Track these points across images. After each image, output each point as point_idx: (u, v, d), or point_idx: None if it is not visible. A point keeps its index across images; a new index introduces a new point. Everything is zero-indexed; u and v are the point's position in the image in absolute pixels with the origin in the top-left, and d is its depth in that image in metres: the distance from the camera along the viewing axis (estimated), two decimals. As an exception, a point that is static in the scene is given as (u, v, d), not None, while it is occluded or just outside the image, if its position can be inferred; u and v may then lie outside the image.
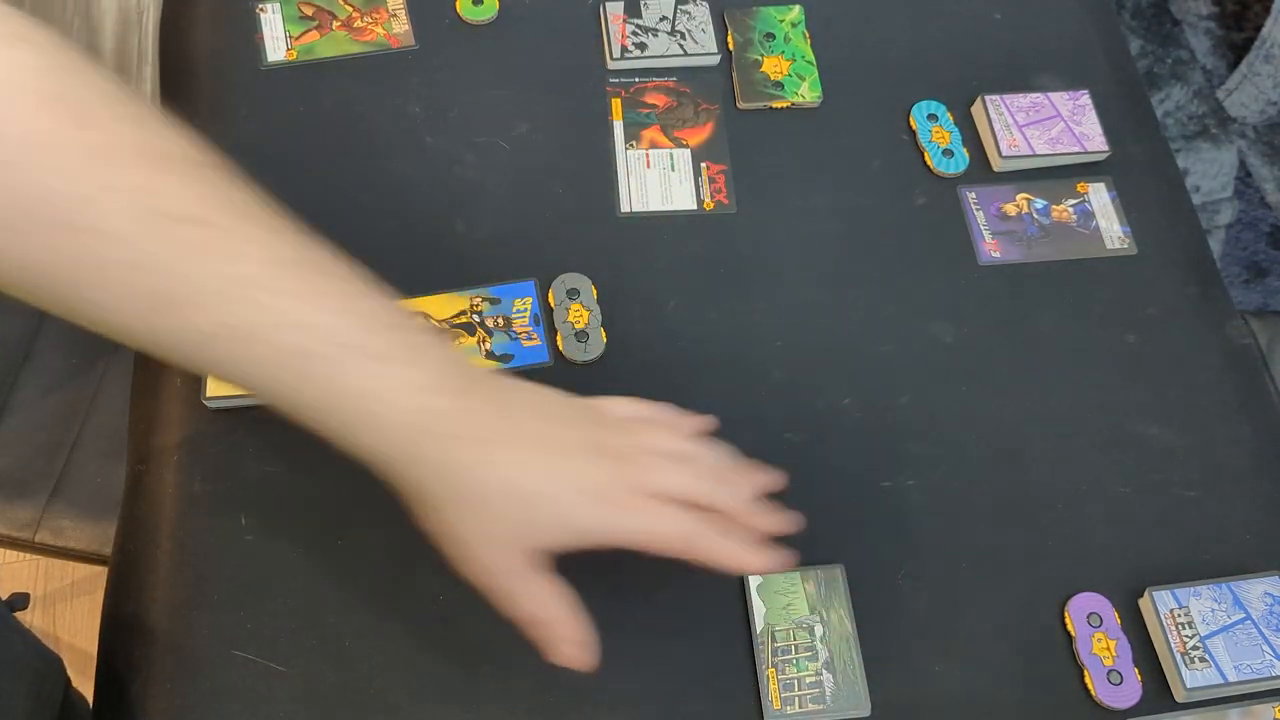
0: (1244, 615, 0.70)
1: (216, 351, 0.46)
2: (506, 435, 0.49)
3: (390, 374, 0.47)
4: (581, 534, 0.51)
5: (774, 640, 0.67)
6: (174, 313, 0.45)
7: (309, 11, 0.88)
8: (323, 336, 0.46)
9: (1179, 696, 0.68)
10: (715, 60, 0.89)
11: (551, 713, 0.65)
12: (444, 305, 0.77)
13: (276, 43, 0.86)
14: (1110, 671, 0.68)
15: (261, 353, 0.46)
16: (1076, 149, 0.86)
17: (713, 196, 0.83)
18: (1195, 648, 0.68)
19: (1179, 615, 0.69)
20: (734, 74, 0.88)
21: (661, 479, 0.52)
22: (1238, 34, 1.85)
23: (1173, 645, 0.68)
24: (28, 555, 1.36)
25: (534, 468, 0.49)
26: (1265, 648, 0.69)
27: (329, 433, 0.49)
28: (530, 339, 0.76)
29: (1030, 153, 0.86)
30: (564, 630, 0.52)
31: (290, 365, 0.46)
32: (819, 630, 0.68)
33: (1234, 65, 1.79)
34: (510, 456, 0.49)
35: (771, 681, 0.66)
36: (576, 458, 0.51)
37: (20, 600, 0.89)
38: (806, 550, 0.71)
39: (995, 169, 0.86)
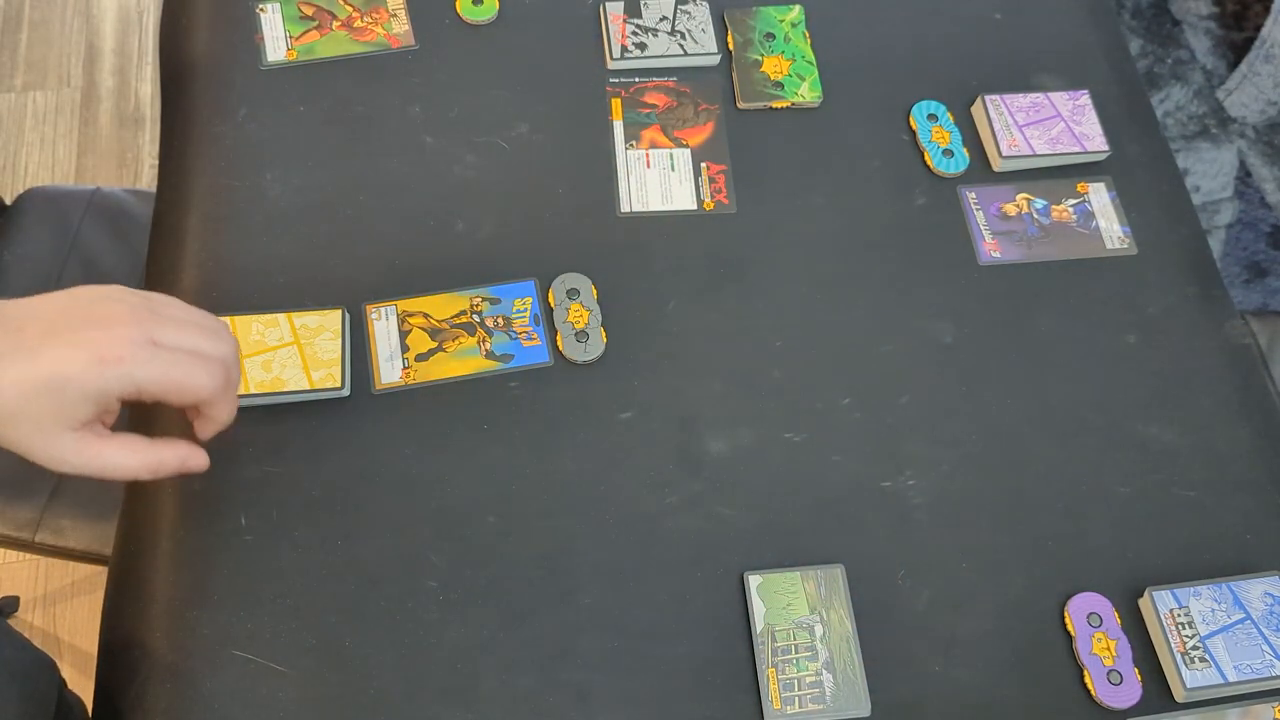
0: (1244, 615, 0.70)
1: None
2: (15, 351, 0.53)
3: None
4: (105, 394, 0.55)
5: (774, 640, 0.67)
6: None
7: (309, 11, 0.88)
8: None
9: (1179, 696, 0.68)
10: (715, 60, 0.89)
11: (551, 713, 0.65)
12: (444, 305, 0.77)
13: (276, 43, 0.87)
14: (1110, 671, 0.68)
15: None
16: (1076, 149, 0.86)
17: (713, 196, 0.83)
18: (1195, 648, 0.68)
19: (1179, 615, 0.69)
20: (734, 74, 0.88)
21: (159, 331, 0.57)
22: (1238, 34, 1.85)
23: (1173, 645, 0.68)
24: (28, 555, 1.36)
25: (44, 365, 0.53)
26: (1265, 648, 0.69)
27: None
28: (530, 339, 0.76)
29: (1030, 153, 0.86)
30: (165, 461, 0.58)
31: None
32: (819, 630, 0.68)
33: (1234, 65, 1.79)
34: (24, 369, 0.53)
35: (771, 681, 0.66)
36: (82, 334, 0.55)
37: (10, 605, 0.89)
38: (806, 550, 0.71)
39: (995, 169, 0.86)
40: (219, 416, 0.61)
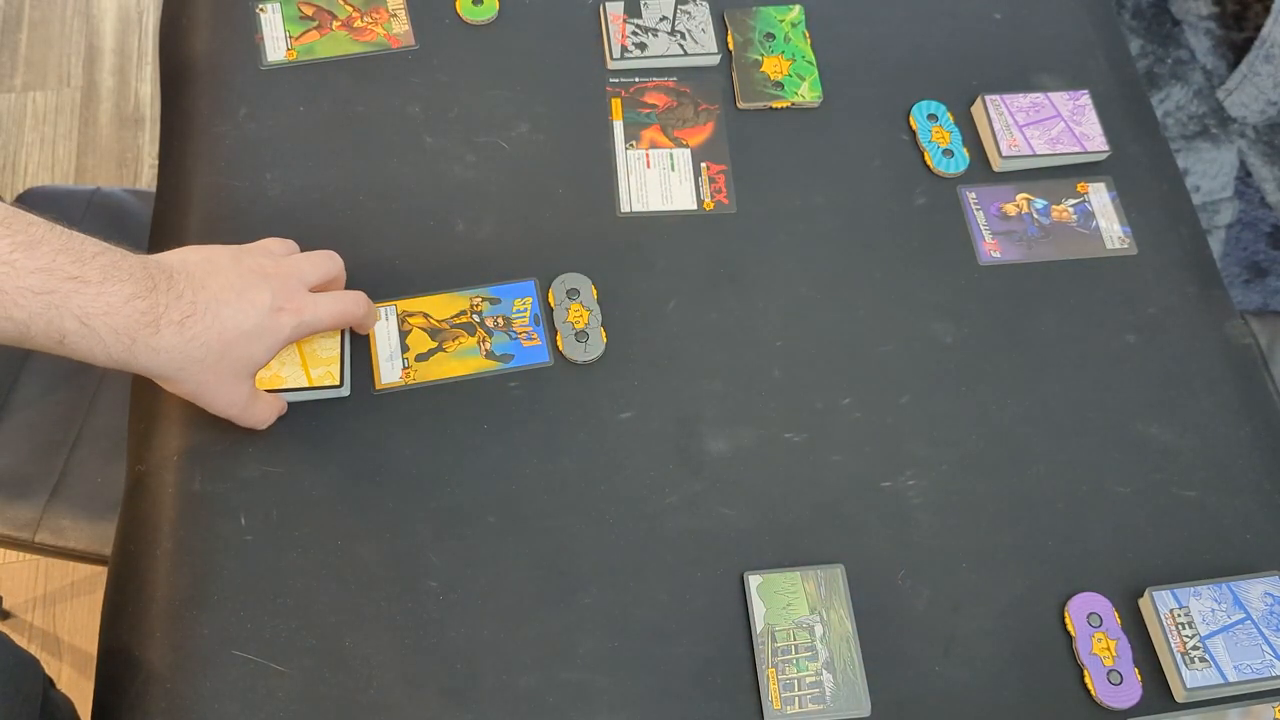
0: (1244, 615, 0.70)
1: None
2: (201, 308, 0.63)
3: (99, 296, 0.59)
4: (278, 343, 0.66)
5: (774, 640, 0.67)
6: None
7: (309, 11, 0.88)
8: (46, 278, 0.57)
9: (1179, 696, 0.68)
10: (715, 60, 0.89)
11: (551, 713, 0.65)
12: (444, 305, 0.77)
13: (276, 43, 0.87)
14: (1110, 671, 0.68)
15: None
16: (1076, 149, 0.86)
17: (713, 196, 0.83)
18: (1195, 648, 0.68)
19: (1179, 615, 0.69)
20: (734, 74, 0.88)
21: (313, 270, 0.70)
22: (1238, 34, 1.85)
23: (1173, 645, 0.68)
24: (28, 555, 1.36)
25: (227, 318, 0.64)
26: (1265, 648, 0.69)
27: (59, 352, 0.60)
28: (530, 339, 0.76)
29: (1030, 153, 0.86)
30: (273, 414, 0.71)
31: (20, 306, 0.57)
32: (819, 630, 0.68)
33: (1234, 65, 1.79)
34: (208, 321, 0.63)
35: (771, 681, 0.66)
36: (252, 292, 0.65)
37: None
38: (806, 550, 0.71)
39: (995, 169, 0.86)
40: (370, 325, 0.74)
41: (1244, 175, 1.76)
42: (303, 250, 0.73)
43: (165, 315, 0.61)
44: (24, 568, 1.44)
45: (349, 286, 0.76)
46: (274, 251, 0.71)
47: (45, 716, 0.73)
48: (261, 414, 0.70)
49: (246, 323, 0.64)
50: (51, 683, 0.79)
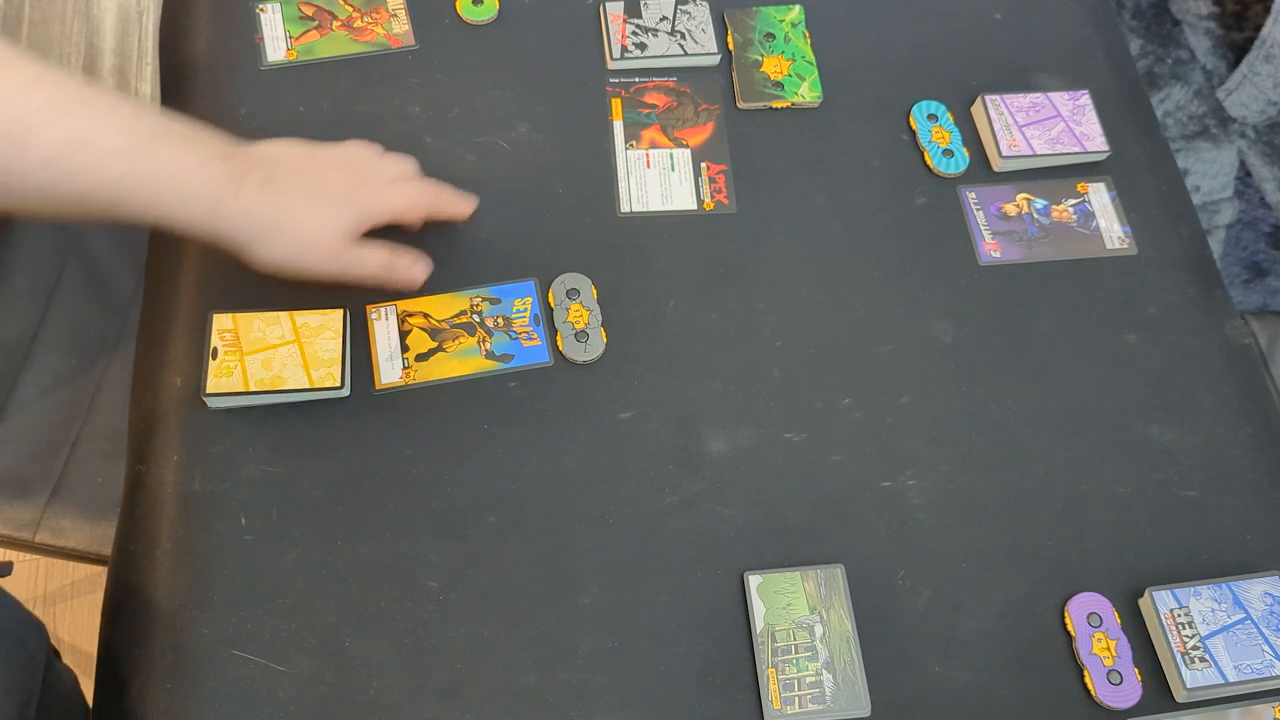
0: (1244, 615, 0.70)
1: (41, 179, 0.59)
2: (282, 173, 0.66)
3: (181, 156, 0.62)
4: (361, 213, 0.70)
5: (774, 640, 0.67)
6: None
7: (309, 11, 0.88)
8: (129, 142, 0.60)
9: (1179, 696, 0.68)
10: (715, 60, 0.89)
11: (551, 713, 0.65)
12: (444, 305, 0.77)
13: (276, 43, 0.86)
14: (1110, 671, 0.68)
15: (81, 164, 0.59)
16: (1076, 149, 0.86)
17: (713, 196, 0.83)
18: (1195, 648, 0.68)
19: (1179, 615, 0.69)
20: (734, 74, 0.88)
21: (388, 169, 0.75)
22: (1238, 34, 1.85)
23: (1173, 645, 0.68)
24: (28, 555, 1.36)
25: (309, 185, 0.68)
26: (1265, 648, 0.69)
27: (138, 217, 0.63)
28: (530, 339, 0.76)
29: (1030, 153, 0.86)
30: (402, 265, 0.72)
31: (109, 168, 0.60)
32: (819, 630, 0.68)
33: (1234, 65, 1.79)
34: (291, 185, 0.66)
35: (771, 681, 0.66)
36: (327, 169, 0.70)
37: (4, 569, 0.89)
38: (806, 550, 0.71)
39: (995, 169, 0.86)
40: (462, 211, 0.78)
41: (1244, 175, 1.76)
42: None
43: (246, 177, 0.64)
44: (24, 568, 1.44)
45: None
46: (354, 152, 0.74)
47: (47, 687, 0.73)
48: (370, 265, 0.71)
49: (324, 190, 0.68)
50: (57, 654, 0.79)
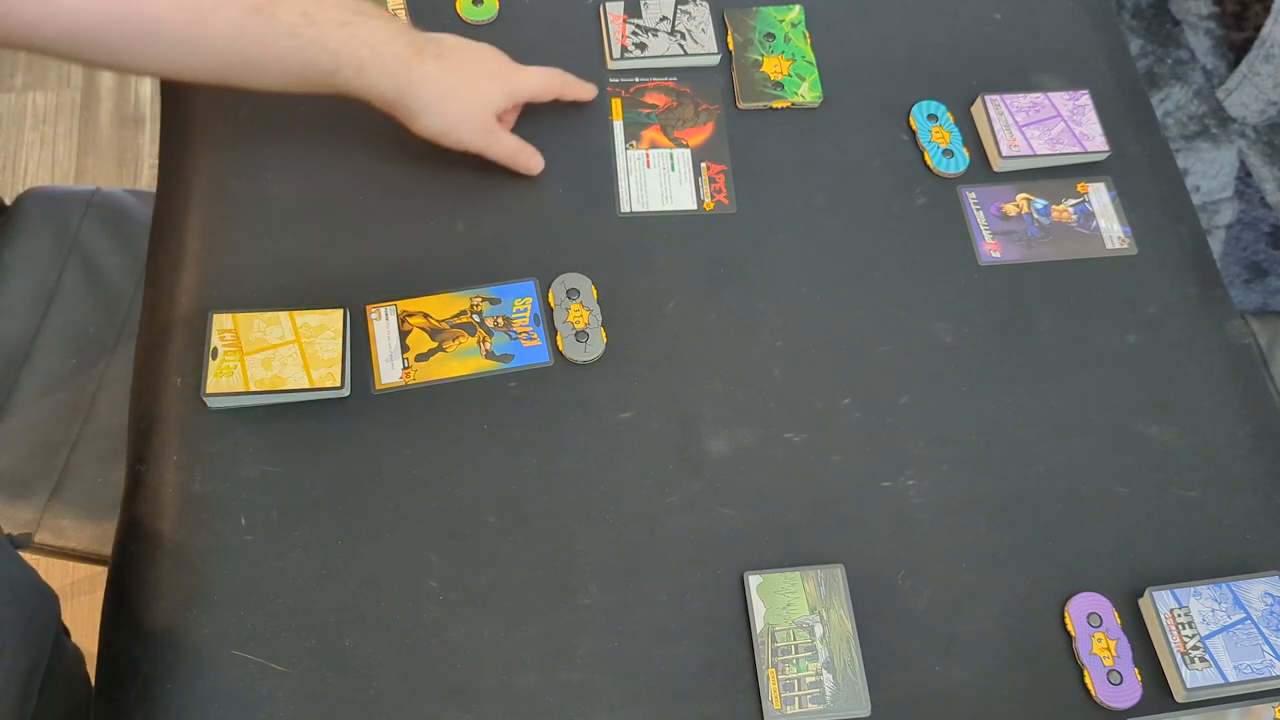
0: (1244, 615, 0.70)
1: (283, 46, 0.70)
2: (448, 49, 0.76)
3: (379, 27, 0.73)
4: (511, 91, 0.79)
5: (774, 640, 0.67)
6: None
7: (309, 11, 0.88)
8: (341, 17, 0.71)
9: (1179, 696, 0.68)
10: (715, 60, 0.89)
11: (551, 713, 0.65)
12: (444, 305, 0.77)
13: (276, 43, 0.86)
14: (1110, 671, 0.68)
15: (312, 35, 0.70)
16: (1076, 149, 0.86)
17: (713, 196, 0.83)
18: (1195, 648, 0.68)
19: (1179, 615, 0.69)
20: (734, 74, 0.88)
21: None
22: (1238, 34, 1.85)
23: (1173, 645, 0.68)
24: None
25: (469, 62, 0.77)
26: (1265, 648, 0.69)
27: (346, 85, 0.73)
28: (530, 339, 0.76)
29: (1030, 153, 0.86)
30: (527, 153, 0.81)
31: (332, 36, 0.71)
32: (819, 630, 0.68)
33: (1234, 65, 1.79)
34: (458, 60, 0.76)
35: (771, 681, 0.66)
36: (482, 50, 0.79)
37: (23, 540, 0.90)
38: (806, 550, 0.71)
39: (995, 169, 0.86)
40: (587, 94, 0.85)
41: (1244, 175, 1.76)
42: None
43: (426, 49, 0.74)
44: (24, 568, 1.44)
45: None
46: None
47: (55, 659, 0.74)
48: (507, 146, 0.79)
49: (483, 68, 0.77)
50: (66, 631, 0.80)
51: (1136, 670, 0.68)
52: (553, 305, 0.77)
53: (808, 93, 0.88)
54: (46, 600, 0.74)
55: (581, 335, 0.76)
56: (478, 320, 0.77)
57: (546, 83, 0.81)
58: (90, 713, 0.66)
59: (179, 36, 0.68)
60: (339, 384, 0.72)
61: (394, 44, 0.73)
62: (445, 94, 0.75)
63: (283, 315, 0.74)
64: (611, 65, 0.88)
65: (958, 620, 0.70)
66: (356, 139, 0.83)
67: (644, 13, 0.90)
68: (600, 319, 0.77)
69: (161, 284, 0.78)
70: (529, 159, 0.81)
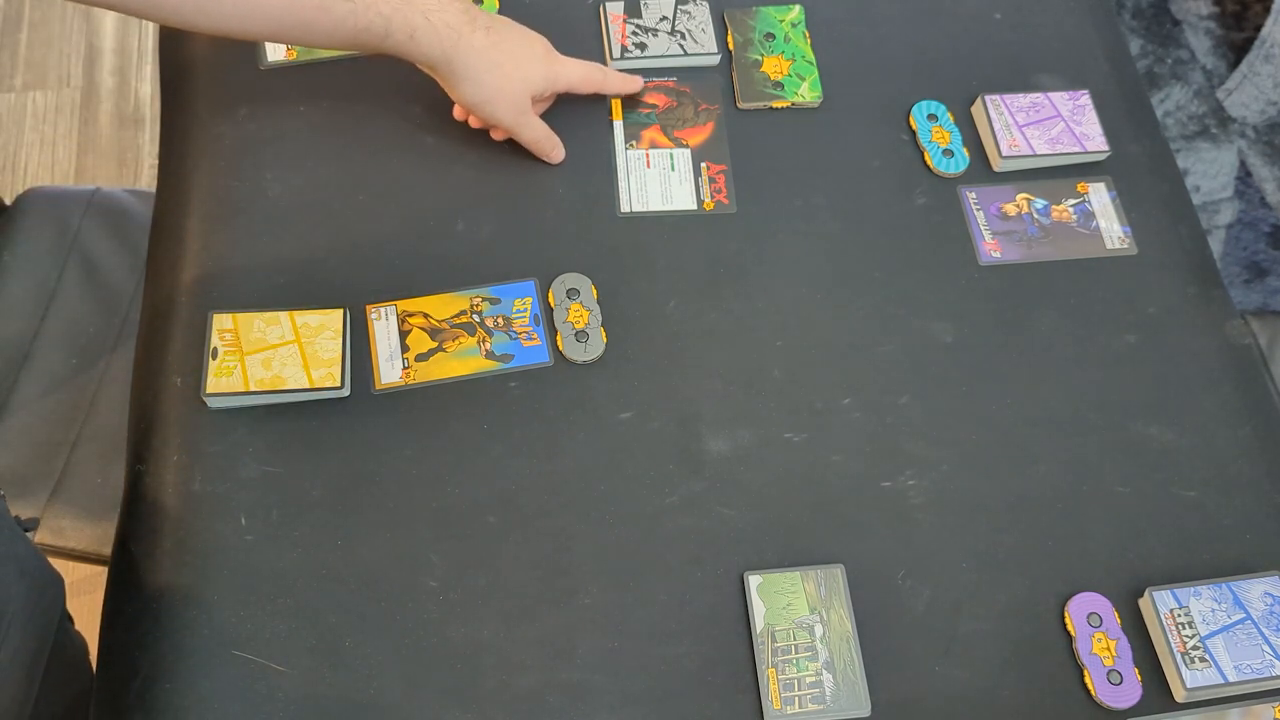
0: (1244, 615, 0.70)
1: (340, 10, 0.72)
2: (499, 25, 0.78)
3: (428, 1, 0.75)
4: (548, 78, 0.80)
5: (774, 640, 0.67)
6: None
7: (309, 11, 0.88)
8: None
9: (1179, 696, 0.68)
10: (715, 60, 0.89)
11: (551, 713, 0.65)
12: (444, 305, 0.77)
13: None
14: (1110, 671, 0.68)
15: (367, 1, 0.72)
16: (1076, 149, 0.86)
17: (713, 196, 0.83)
18: (1195, 648, 0.68)
19: (1179, 615, 0.69)
20: (734, 74, 0.88)
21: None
22: (1238, 34, 1.85)
23: (1173, 645, 0.68)
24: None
25: (518, 40, 0.79)
26: (1265, 648, 0.69)
27: (397, 49, 0.75)
28: (530, 339, 0.76)
29: (1030, 153, 0.86)
30: (553, 141, 0.82)
31: (387, 2, 0.73)
32: (819, 630, 0.68)
33: (1234, 65, 1.79)
34: (507, 36, 0.78)
35: (771, 681, 0.66)
36: (531, 34, 0.80)
37: (30, 523, 0.91)
38: (806, 550, 0.71)
39: (995, 169, 0.86)
40: (630, 88, 0.86)
41: (1244, 175, 1.75)
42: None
43: (478, 20, 0.76)
44: (24, 568, 1.44)
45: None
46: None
47: (58, 644, 0.74)
48: (536, 130, 0.81)
49: (529, 49, 0.79)
50: (70, 619, 0.80)
51: (1136, 670, 0.68)
52: (553, 305, 0.77)
53: (808, 93, 0.88)
54: (53, 582, 0.75)
55: (581, 335, 0.76)
56: (478, 320, 0.77)
57: (586, 75, 0.83)
58: (91, 704, 0.66)
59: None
60: (339, 384, 0.72)
61: (446, 11, 0.75)
62: (490, 67, 0.77)
63: (283, 315, 0.74)
64: (611, 65, 0.88)
65: (958, 620, 0.70)
66: (356, 139, 0.83)
67: (644, 13, 0.90)
68: (600, 319, 0.77)
69: (161, 284, 0.78)
70: (553, 148, 0.83)
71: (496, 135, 0.83)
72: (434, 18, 0.74)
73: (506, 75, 0.77)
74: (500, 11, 0.89)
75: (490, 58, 0.76)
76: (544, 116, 0.83)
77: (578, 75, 0.82)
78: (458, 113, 0.83)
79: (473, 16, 0.76)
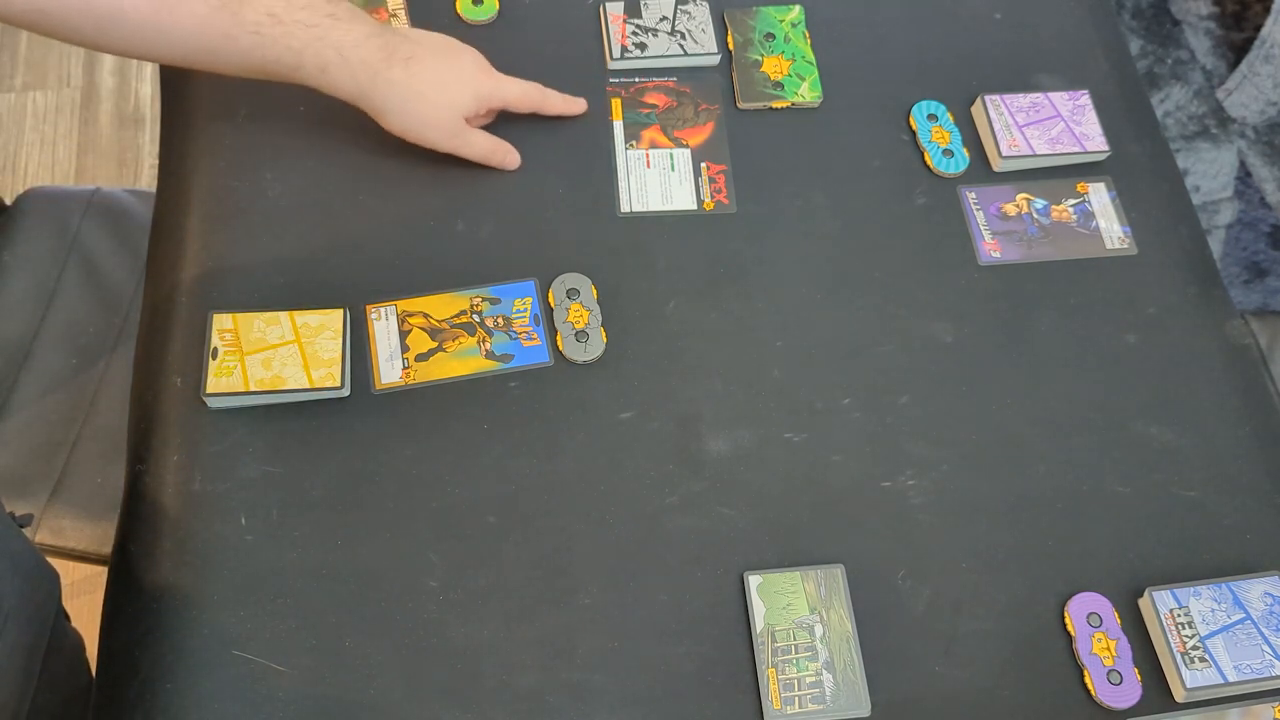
0: (1244, 615, 0.70)
1: (247, 42, 0.72)
2: (422, 53, 0.77)
3: (349, 31, 0.74)
4: (482, 97, 0.79)
5: (774, 640, 0.67)
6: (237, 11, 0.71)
7: (309, 11, 0.88)
8: (310, 18, 0.73)
9: (1179, 696, 0.68)
10: (715, 60, 0.89)
11: (551, 713, 0.65)
12: (444, 305, 0.77)
13: (276, 43, 0.86)
14: (1110, 671, 0.68)
15: (276, 34, 0.72)
16: (1076, 149, 0.86)
17: (713, 196, 0.83)
18: (1195, 648, 0.68)
19: (1179, 615, 0.69)
20: (734, 74, 0.88)
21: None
22: (1238, 34, 1.85)
23: (1173, 645, 0.68)
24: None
25: (443, 66, 0.78)
26: (1265, 648, 0.69)
27: (309, 81, 0.75)
28: (530, 339, 0.76)
29: (1030, 153, 0.86)
30: (501, 151, 0.82)
31: (297, 36, 0.72)
32: (819, 630, 0.68)
33: (1234, 65, 1.79)
34: (429, 64, 0.77)
35: (771, 681, 0.66)
36: (460, 53, 0.80)
37: (25, 519, 0.91)
38: (806, 550, 0.71)
39: (995, 169, 0.86)
40: (569, 109, 0.85)
41: (1244, 175, 1.75)
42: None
43: (396, 53, 0.75)
44: (24, 568, 1.44)
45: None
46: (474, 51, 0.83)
47: (54, 641, 0.74)
48: (479, 147, 0.80)
49: (455, 73, 0.78)
50: (66, 615, 0.80)
51: (1136, 670, 0.68)
52: (553, 305, 0.77)
53: (808, 93, 0.88)
54: (48, 577, 0.75)
55: (581, 335, 0.76)
56: (478, 320, 0.77)
57: (523, 94, 0.82)
58: (89, 702, 0.66)
59: (142, 22, 0.69)
60: (339, 384, 0.72)
61: (362, 48, 0.74)
62: (412, 96, 0.76)
63: (283, 315, 0.74)
64: (611, 65, 0.88)
65: (958, 620, 0.70)
66: (357, 139, 0.83)
67: (644, 13, 0.90)
68: (600, 319, 0.77)
69: (161, 284, 0.78)
70: (504, 156, 0.82)
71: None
72: (349, 54, 0.73)
73: (430, 103, 0.77)
74: (500, 12, 0.89)
75: (411, 88, 0.76)
76: (537, 123, 0.83)
77: (514, 94, 0.81)
78: None
79: (390, 50, 0.75)
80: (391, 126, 0.78)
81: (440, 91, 0.77)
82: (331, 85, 0.75)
